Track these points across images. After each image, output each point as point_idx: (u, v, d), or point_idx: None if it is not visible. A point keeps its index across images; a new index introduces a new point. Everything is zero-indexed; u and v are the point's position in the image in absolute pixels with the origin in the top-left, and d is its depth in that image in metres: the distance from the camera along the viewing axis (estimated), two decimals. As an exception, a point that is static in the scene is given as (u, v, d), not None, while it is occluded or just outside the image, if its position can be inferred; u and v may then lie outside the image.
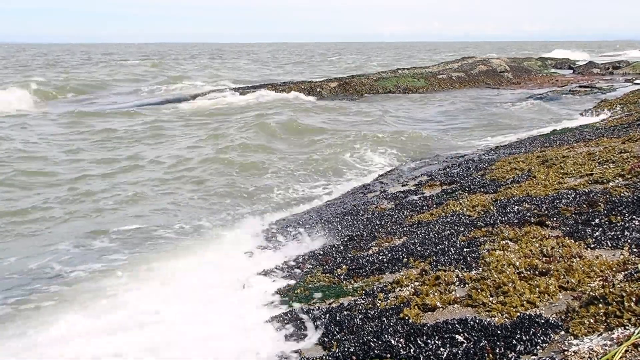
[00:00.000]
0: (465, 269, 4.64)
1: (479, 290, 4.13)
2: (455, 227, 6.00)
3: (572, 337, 3.27)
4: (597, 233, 4.86)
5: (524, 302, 3.84)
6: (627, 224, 4.93)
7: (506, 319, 3.67)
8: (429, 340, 3.52)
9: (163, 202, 10.07)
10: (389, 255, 5.59)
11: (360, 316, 4.34)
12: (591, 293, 3.68)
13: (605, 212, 5.35)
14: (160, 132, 18.01)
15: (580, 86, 29.96)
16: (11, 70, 48.37)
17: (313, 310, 4.68)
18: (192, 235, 8.29)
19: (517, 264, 4.41)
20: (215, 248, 7.24)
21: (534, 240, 4.97)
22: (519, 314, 3.70)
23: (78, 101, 28.38)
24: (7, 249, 7.94)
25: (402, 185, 9.91)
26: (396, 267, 5.23)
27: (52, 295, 6.26)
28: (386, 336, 3.69)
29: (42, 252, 7.74)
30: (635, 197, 5.53)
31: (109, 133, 17.73)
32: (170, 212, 9.49)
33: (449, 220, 6.37)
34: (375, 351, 3.54)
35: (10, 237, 8.39)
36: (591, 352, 2.99)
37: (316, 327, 4.28)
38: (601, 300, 3.48)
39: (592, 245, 4.64)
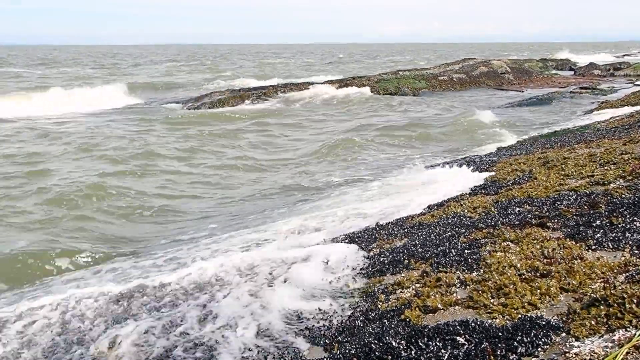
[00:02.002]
0: (466, 271, 4.64)
1: (480, 292, 4.13)
2: (457, 229, 6.00)
3: (573, 339, 3.26)
4: (598, 234, 4.86)
5: (525, 304, 3.84)
6: (628, 226, 4.92)
7: (507, 321, 3.67)
8: (430, 342, 3.51)
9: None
10: (390, 256, 5.60)
11: (361, 317, 4.34)
12: (592, 294, 3.67)
13: (606, 213, 5.35)
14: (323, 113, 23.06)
15: (582, 87, 29.97)
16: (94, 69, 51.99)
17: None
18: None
19: (518, 265, 4.41)
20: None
21: (535, 241, 4.96)
22: (520, 315, 3.70)
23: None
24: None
25: (403, 187, 9.90)
26: (397, 269, 5.23)
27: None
28: (387, 338, 3.69)
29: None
30: (636, 199, 5.53)
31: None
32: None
33: (450, 221, 6.37)
34: (377, 353, 3.54)
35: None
36: (592, 354, 2.99)
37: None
38: (602, 301, 3.48)
39: (593, 247, 4.63)
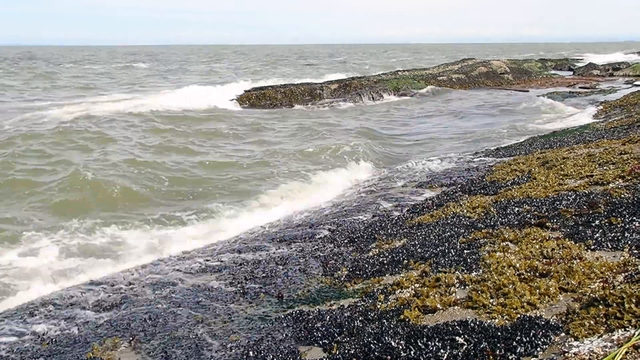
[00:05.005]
0: (465, 271, 4.64)
1: (479, 292, 4.13)
2: (456, 229, 5.99)
3: (573, 339, 3.26)
4: (597, 234, 4.86)
5: (524, 304, 3.84)
6: (627, 226, 4.93)
7: (506, 321, 3.67)
8: (429, 342, 3.51)
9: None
10: (390, 257, 5.59)
11: (360, 318, 4.34)
12: (591, 295, 3.67)
13: (606, 213, 5.35)
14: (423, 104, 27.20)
15: (582, 87, 30.01)
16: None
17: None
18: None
19: (518, 265, 4.41)
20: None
21: (534, 241, 4.96)
22: (519, 315, 3.70)
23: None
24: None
25: (403, 187, 9.91)
26: (396, 269, 5.23)
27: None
28: (386, 338, 3.69)
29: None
30: (635, 199, 5.53)
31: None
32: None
33: (449, 222, 6.37)
34: (376, 353, 3.54)
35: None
36: (591, 353, 2.99)
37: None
38: (601, 301, 3.48)
39: (593, 247, 4.64)
